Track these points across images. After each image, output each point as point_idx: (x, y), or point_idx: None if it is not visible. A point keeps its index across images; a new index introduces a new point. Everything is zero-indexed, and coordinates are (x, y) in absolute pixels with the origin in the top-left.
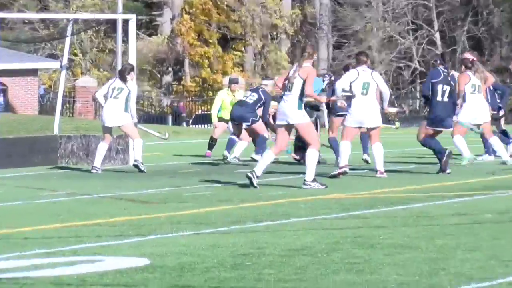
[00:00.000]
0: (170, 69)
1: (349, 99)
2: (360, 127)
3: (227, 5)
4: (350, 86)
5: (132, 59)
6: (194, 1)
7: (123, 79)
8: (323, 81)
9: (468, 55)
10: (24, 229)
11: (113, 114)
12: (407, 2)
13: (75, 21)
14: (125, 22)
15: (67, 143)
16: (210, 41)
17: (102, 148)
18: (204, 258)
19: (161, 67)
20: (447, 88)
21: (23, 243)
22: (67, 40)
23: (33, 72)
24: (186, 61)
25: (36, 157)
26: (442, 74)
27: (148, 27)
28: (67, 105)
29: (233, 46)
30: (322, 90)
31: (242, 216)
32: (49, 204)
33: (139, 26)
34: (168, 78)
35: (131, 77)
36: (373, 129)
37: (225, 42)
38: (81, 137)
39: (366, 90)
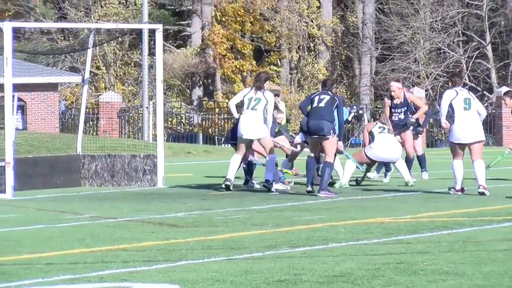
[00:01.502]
0: (200, 82)
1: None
2: (462, 144)
3: (260, 14)
4: (451, 104)
5: (159, 73)
6: (227, 8)
7: (260, 88)
8: (350, 112)
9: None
10: (47, 254)
11: (251, 126)
12: (457, 11)
13: (97, 31)
14: (151, 32)
15: (91, 163)
16: (245, 52)
17: (236, 160)
18: (237, 284)
19: (190, 81)
20: (324, 97)
21: (46, 268)
22: (89, 52)
23: (53, 87)
24: (218, 75)
25: (57, 178)
26: (321, 90)
27: (176, 38)
28: (90, 122)
29: (267, 59)
30: (347, 121)
31: (277, 241)
32: (72, 228)
33: (166, 36)
34: (198, 93)
35: (267, 87)
36: (474, 144)
37: (259, 54)
38: (105, 157)
39: (468, 105)
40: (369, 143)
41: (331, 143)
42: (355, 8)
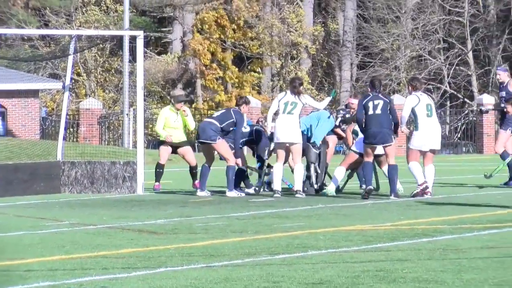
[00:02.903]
0: (181, 88)
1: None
2: (422, 151)
3: (244, 21)
4: (414, 111)
5: (140, 79)
6: (207, 17)
7: (296, 92)
8: (337, 117)
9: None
10: (27, 260)
11: (287, 130)
12: (439, 18)
13: (78, 37)
14: (132, 39)
15: (71, 169)
16: (223, 63)
17: (278, 169)
18: None
19: (171, 88)
20: (378, 102)
21: (26, 275)
22: (70, 59)
23: (34, 94)
24: (199, 83)
25: (38, 184)
26: (371, 95)
27: (157, 45)
28: (71, 129)
29: (249, 66)
30: (335, 126)
31: (257, 248)
32: (52, 234)
33: (147, 43)
34: None
35: (303, 91)
36: (431, 151)
37: (241, 61)
38: (85, 164)
39: (430, 112)
40: (353, 142)
41: (393, 147)
42: (336, 14)
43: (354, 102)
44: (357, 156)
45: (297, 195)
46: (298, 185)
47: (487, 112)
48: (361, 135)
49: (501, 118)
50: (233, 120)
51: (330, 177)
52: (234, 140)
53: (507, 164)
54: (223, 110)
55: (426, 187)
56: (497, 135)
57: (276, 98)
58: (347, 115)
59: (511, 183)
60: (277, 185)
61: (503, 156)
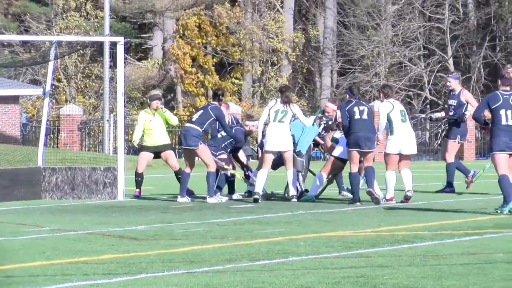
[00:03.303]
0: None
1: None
2: (399, 154)
3: (226, 27)
4: (389, 117)
5: (120, 85)
6: (189, 22)
7: (286, 101)
8: (320, 124)
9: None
10: (8, 266)
11: (277, 138)
12: (419, 25)
13: (59, 43)
14: (113, 45)
15: (51, 175)
16: (206, 67)
17: (262, 175)
18: None
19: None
20: (363, 108)
21: (6, 281)
22: (50, 65)
23: (14, 100)
24: (179, 89)
25: (18, 190)
26: (354, 101)
27: (138, 51)
28: (51, 135)
29: (231, 73)
30: (318, 133)
31: (237, 254)
32: (33, 240)
33: (128, 49)
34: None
35: (292, 99)
36: (407, 156)
37: (222, 67)
38: (66, 170)
39: (404, 117)
40: (333, 148)
41: (374, 153)
42: (316, 21)
43: (330, 106)
44: (338, 162)
45: (293, 200)
46: (292, 190)
47: (436, 120)
48: (341, 139)
49: (448, 127)
50: (212, 118)
51: (314, 174)
52: (230, 137)
53: (447, 170)
54: (201, 111)
55: (392, 200)
56: (477, 142)
57: (267, 107)
58: (330, 122)
59: (447, 190)
60: (258, 188)
61: (447, 166)
